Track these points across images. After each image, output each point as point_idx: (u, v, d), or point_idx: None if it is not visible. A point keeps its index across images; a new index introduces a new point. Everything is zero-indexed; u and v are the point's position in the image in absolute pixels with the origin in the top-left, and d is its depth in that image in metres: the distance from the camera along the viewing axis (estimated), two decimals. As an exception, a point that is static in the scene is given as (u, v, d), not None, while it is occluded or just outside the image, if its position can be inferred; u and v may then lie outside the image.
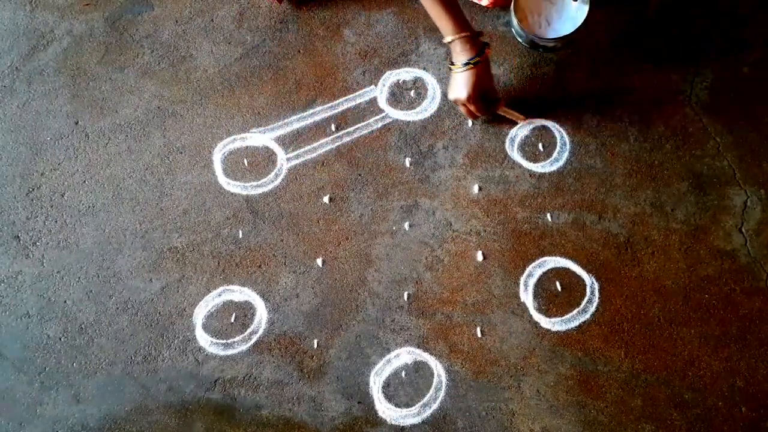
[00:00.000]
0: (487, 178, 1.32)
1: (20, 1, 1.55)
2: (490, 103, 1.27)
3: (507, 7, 1.40)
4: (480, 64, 1.19)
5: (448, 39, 1.19)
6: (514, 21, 1.35)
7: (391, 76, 1.42)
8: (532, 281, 1.24)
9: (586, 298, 1.22)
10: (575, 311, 1.21)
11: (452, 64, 1.21)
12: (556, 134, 1.35)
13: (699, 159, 1.32)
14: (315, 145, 1.37)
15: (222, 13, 1.51)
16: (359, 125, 1.38)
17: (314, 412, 1.16)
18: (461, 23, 1.18)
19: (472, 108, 1.24)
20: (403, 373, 1.18)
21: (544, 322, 1.20)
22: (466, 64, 1.18)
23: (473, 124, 1.37)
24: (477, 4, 1.45)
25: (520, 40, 1.40)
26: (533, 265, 1.25)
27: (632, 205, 1.28)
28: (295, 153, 1.37)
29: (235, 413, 1.17)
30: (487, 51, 1.20)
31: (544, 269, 1.25)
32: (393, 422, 1.15)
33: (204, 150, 1.38)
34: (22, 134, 1.41)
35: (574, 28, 1.32)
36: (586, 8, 1.33)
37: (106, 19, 1.52)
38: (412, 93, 1.41)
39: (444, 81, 1.41)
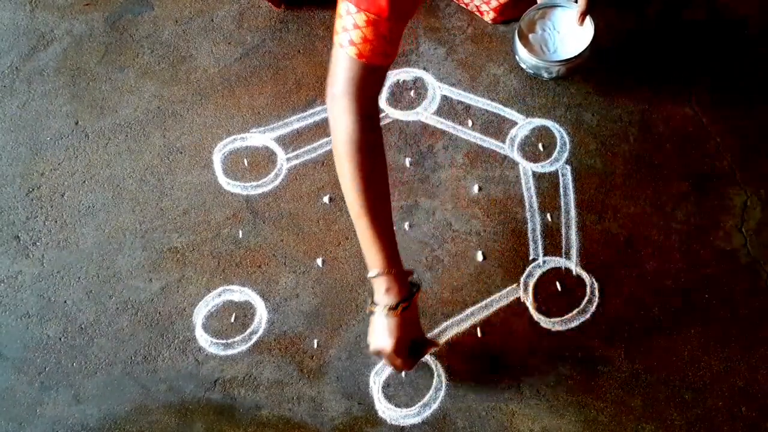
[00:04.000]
0: (487, 178, 1.32)
1: (20, 1, 1.55)
2: (418, 350, 1.09)
3: (511, 21, 1.40)
4: (408, 310, 1.01)
5: (372, 274, 1.01)
6: (518, 45, 1.35)
7: (391, 76, 1.42)
8: (532, 281, 1.24)
9: (586, 298, 1.22)
10: (575, 311, 1.21)
11: (373, 303, 1.03)
12: (556, 134, 1.35)
13: (699, 159, 1.32)
14: (315, 145, 1.37)
15: (222, 13, 1.52)
16: (359, 125, 1.37)
17: (314, 412, 1.16)
18: (392, 258, 1.01)
19: (397, 362, 1.04)
20: (403, 374, 1.18)
21: (544, 322, 1.20)
22: (392, 308, 1.00)
23: (472, 124, 1.37)
24: (481, 17, 1.45)
25: (524, 66, 1.39)
26: (533, 265, 1.25)
27: (632, 205, 1.28)
28: (295, 153, 1.37)
29: (235, 413, 1.17)
30: (416, 295, 1.03)
31: (544, 269, 1.24)
32: (393, 422, 1.15)
33: (204, 150, 1.38)
34: (22, 134, 1.41)
35: (578, 52, 1.32)
36: (590, 33, 1.33)
37: (106, 19, 1.52)
38: (412, 93, 1.41)
39: (443, 79, 1.41)
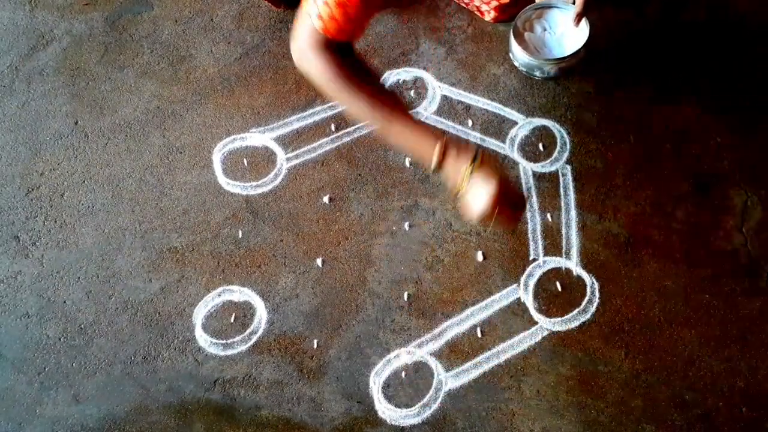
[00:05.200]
0: (487, 178, 1.32)
1: (20, 1, 1.55)
2: (519, 201, 1.06)
3: (510, 20, 1.40)
4: (487, 158, 0.98)
5: (435, 158, 0.97)
6: (513, 43, 1.35)
7: (391, 76, 1.42)
8: (532, 281, 1.23)
9: (586, 298, 1.22)
10: (575, 311, 1.21)
11: (456, 184, 0.98)
12: (556, 134, 1.35)
13: (699, 159, 1.31)
14: (315, 145, 1.37)
15: (222, 13, 1.51)
16: (359, 125, 1.37)
17: (314, 412, 1.16)
18: (438, 132, 0.99)
19: (508, 207, 0.99)
20: (403, 374, 1.18)
21: (544, 322, 1.20)
22: (474, 160, 0.96)
23: (472, 124, 1.37)
24: (481, 17, 1.45)
25: (517, 64, 1.39)
26: (533, 265, 1.25)
27: (632, 205, 1.28)
28: (295, 153, 1.36)
29: (235, 413, 1.16)
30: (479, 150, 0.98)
31: (544, 269, 1.24)
32: (393, 422, 1.15)
33: (204, 150, 1.37)
34: (21, 134, 1.41)
35: (571, 52, 1.32)
36: (585, 35, 1.33)
37: (106, 19, 1.52)
38: (412, 93, 1.41)
39: (443, 78, 1.41)
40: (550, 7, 1.37)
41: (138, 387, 1.19)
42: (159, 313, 1.24)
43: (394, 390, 1.17)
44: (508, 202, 0.99)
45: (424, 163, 1.00)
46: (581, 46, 1.32)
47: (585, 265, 1.24)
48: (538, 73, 1.37)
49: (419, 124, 1.01)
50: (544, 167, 1.32)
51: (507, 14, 1.42)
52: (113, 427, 1.16)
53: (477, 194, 0.97)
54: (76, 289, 1.27)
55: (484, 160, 0.97)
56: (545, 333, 1.20)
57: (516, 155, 1.34)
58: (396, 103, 1.02)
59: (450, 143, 0.97)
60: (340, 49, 0.98)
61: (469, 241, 1.27)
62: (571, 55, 1.32)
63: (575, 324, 1.20)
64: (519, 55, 1.36)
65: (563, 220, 1.28)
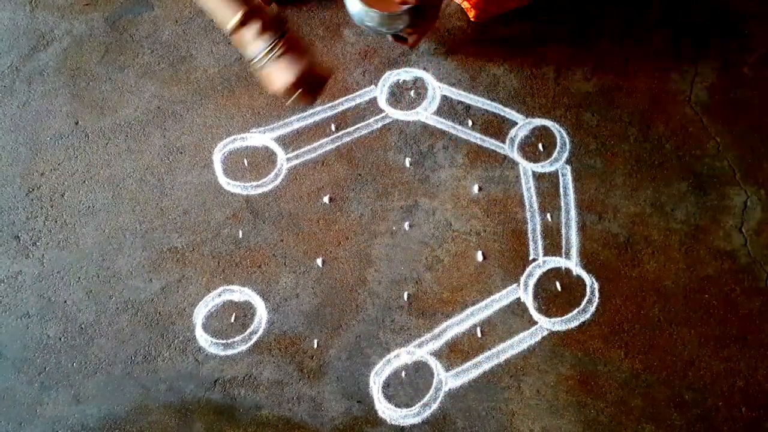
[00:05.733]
0: (487, 178, 1.32)
1: (20, 1, 1.55)
2: (319, 81, 1.06)
3: (491, 20, 1.37)
4: (291, 36, 0.98)
5: (233, 21, 0.94)
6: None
7: (391, 76, 1.42)
8: (532, 281, 1.24)
9: (586, 298, 1.22)
10: (575, 311, 1.21)
11: (254, 59, 0.98)
12: (556, 134, 1.35)
13: (699, 159, 1.32)
14: (315, 145, 1.37)
15: (222, 13, 1.51)
16: (359, 125, 1.38)
17: (314, 412, 1.16)
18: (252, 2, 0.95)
19: (309, 89, 1.02)
20: (403, 373, 1.18)
21: (544, 322, 1.20)
22: (277, 41, 0.96)
23: (472, 124, 1.37)
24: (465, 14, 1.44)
25: (354, 20, 1.28)
26: (533, 265, 1.25)
27: (632, 205, 1.28)
28: (295, 153, 1.37)
29: (235, 413, 1.17)
30: (286, 22, 0.98)
31: (544, 269, 1.24)
32: (393, 422, 1.15)
33: (204, 150, 1.37)
34: (22, 134, 1.41)
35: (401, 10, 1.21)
36: None
37: (106, 19, 1.52)
38: (412, 93, 1.41)
39: (443, 78, 1.41)
40: None
41: (138, 387, 1.19)
42: (159, 313, 1.24)
43: (394, 390, 1.17)
44: (308, 86, 1.01)
45: (220, 25, 0.98)
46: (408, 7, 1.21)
47: (585, 265, 1.24)
48: (368, 23, 1.25)
49: None
50: (543, 167, 1.33)
51: (488, 14, 1.41)
52: (113, 427, 1.17)
53: (278, 72, 0.98)
54: (76, 289, 1.27)
55: (290, 42, 0.97)
56: (545, 333, 1.20)
57: (516, 155, 1.34)
58: None
59: (255, 15, 0.94)
60: None
61: (469, 241, 1.27)
62: (396, 14, 1.21)
63: (575, 324, 1.20)
64: (350, 4, 1.24)
65: (563, 220, 1.28)
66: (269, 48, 0.96)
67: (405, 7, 1.19)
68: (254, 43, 0.97)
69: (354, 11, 1.25)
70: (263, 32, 0.96)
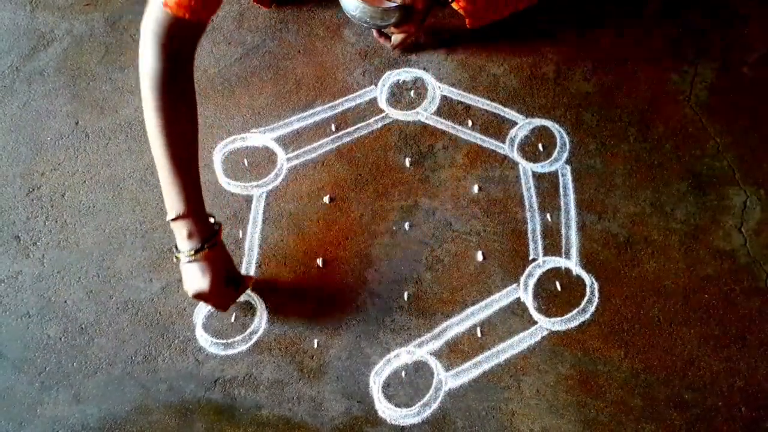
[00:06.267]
0: (487, 178, 1.32)
1: (20, 1, 1.55)
2: (236, 286, 1.14)
3: (485, 27, 1.36)
4: (215, 248, 1.05)
5: (171, 216, 1.02)
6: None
7: (391, 77, 1.42)
8: (532, 281, 1.24)
9: (586, 298, 1.22)
10: (575, 311, 1.21)
11: (177, 251, 1.05)
12: (556, 134, 1.35)
13: (699, 159, 1.32)
14: (315, 145, 1.37)
15: (222, 13, 1.51)
16: (359, 125, 1.38)
17: (314, 412, 1.16)
18: (193, 201, 1.02)
19: (217, 300, 1.09)
20: (403, 373, 1.18)
21: (544, 321, 1.20)
22: (199, 250, 1.03)
23: (472, 124, 1.37)
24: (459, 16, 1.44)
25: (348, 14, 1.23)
26: (533, 265, 1.25)
27: (632, 205, 1.28)
28: (295, 153, 1.37)
29: (235, 413, 1.17)
30: (219, 232, 1.06)
31: (544, 269, 1.25)
32: (393, 422, 1.15)
33: (204, 150, 1.37)
34: (22, 134, 1.41)
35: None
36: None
37: (107, 20, 1.52)
38: (412, 93, 1.41)
39: (444, 80, 1.41)
40: None
41: (138, 387, 1.19)
42: (160, 312, 1.24)
43: (394, 389, 1.17)
44: (214, 299, 1.07)
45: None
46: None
47: (584, 265, 1.24)
48: (352, 11, 1.21)
49: (180, 179, 1.01)
50: (543, 167, 1.33)
51: (483, 21, 1.40)
52: (114, 427, 1.17)
53: (190, 276, 1.05)
54: (76, 289, 1.27)
55: (210, 257, 1.03)
56: (545, 333, 1.20)
57: (516, 155, 1.34)
58: (180, 146, 1.01)
59: (188, 222, 1.02)
60: (183, 40, 0.98)
61: (469, 241, 1.27)
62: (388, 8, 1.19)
63: (575, 324, 1.20)
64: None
65: (563, 220, 1.28)
66: (190, 252, 1.03)
67: (393, 4, 1.19)
68: (180, 240, 1.04)
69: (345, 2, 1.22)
70: (190, 237, 1.03)
